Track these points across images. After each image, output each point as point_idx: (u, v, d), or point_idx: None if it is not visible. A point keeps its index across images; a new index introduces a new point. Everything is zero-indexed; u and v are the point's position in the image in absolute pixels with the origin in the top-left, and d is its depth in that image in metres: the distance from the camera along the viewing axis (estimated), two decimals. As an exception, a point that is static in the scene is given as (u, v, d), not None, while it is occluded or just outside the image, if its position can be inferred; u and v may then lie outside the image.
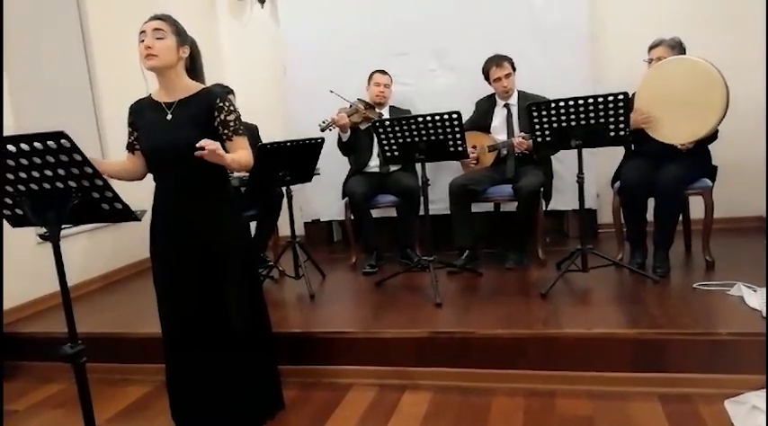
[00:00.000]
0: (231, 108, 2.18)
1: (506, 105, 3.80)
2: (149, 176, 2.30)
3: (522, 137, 3.53)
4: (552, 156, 3.81)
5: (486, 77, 3.77)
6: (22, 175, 1.66)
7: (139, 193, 2.40)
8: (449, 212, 3.73)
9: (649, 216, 3.33)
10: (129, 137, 2.27)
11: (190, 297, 2.19)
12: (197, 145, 1.97)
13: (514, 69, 3.74)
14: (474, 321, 2.78)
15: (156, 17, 2.13)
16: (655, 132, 3.12)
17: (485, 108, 3.90)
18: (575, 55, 4.10)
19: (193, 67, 2.26)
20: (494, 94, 3.85)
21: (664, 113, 3.07)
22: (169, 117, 2.15)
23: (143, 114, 2.22)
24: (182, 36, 2.16)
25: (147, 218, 2.22)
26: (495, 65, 3.69)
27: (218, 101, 2.15)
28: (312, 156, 3.48)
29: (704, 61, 2.98)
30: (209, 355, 2.21)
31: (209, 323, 2.20)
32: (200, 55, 2.31)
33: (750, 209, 4.04)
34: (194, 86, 2.21)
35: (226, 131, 2.16)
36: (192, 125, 2.11)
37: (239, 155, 2.16)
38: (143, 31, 2.11)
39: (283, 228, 3.89)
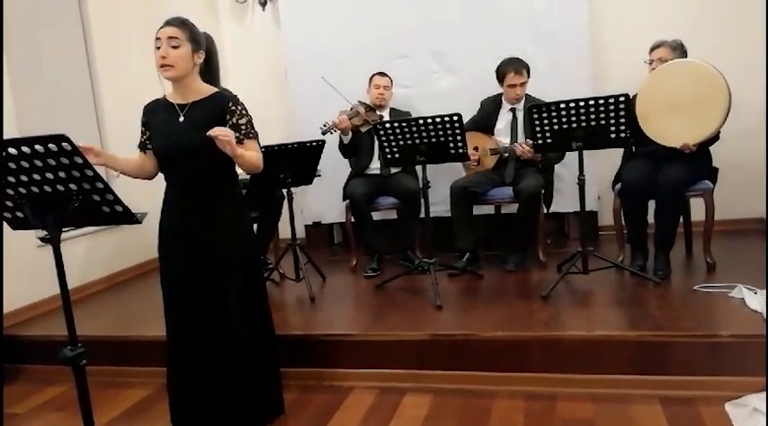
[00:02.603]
0: (243, 111, 2.20)
1: (512, 109, 3.78)
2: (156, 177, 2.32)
3: (528, 145, 3.50)
4: (553, 159, 3.81)
5: (500, 79, 3.71)
6: (23, 178, 1.66)
7: (141, 196, 2.40)
8: (449, 214, 3.73)
9: (650, 218, 3.33)
10: (142, 137, 2.30)
11: (195, 297, 2.20)
12: (208, 133, 1.99)
13: (529, 76, 3.70)
14: (475, 323, 2.78)
15: (171, 23, 2.13)
16: (656, 135, 3.12)
17: (490, 109, 3.87)
18: (575, 57, 4.09)
19: (208, 69, 2.28)
20: (500, 96, 3.82)
21: (666, 116, 3.07)
22: (181, 119, 2.17)
23: (156, 115, 2.24)
24: (197, 42, 2.16)
25: (155, 219, 2.23)
26: (515, 71, 3.62)
27: (230, 104, 2.18)
28: (313, 159, 3.49)
29: (706, 64, 2.98)
30: (211, 355, 2.21)
31: (213, 324, 2.20)
32: (216, 53, 2.32)
33: (751, 211, 4.03)
34: (207, 89, 2.23)
35: (237, 135, 2.17)
36: (203, 127, 2.12)
37: (250, 153, 2.18)
38: (158, 38, 2.11)
39: (284, 231, 3.89)
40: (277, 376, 2.45)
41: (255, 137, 2.25)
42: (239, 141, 2.18)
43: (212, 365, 2.21)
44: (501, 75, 3.70)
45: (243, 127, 2.19)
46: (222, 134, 2.00)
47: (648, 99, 3.13)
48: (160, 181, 2.39)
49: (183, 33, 2.12)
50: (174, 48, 2.09)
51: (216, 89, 2.26)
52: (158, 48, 2.11)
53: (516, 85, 3.65)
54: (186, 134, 2.12)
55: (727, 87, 2.91)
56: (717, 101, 2.93)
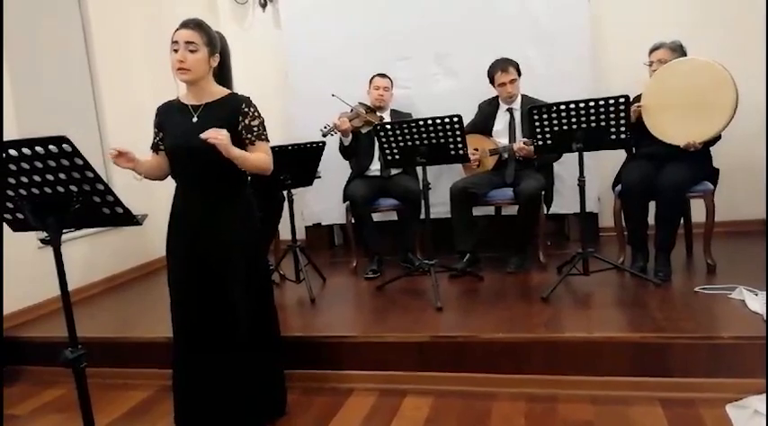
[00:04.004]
0: (255, 113, 2.22)
1: (509, 109, 3.79)
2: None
3: (524, 143, 3.52)
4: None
5: (491, 81, 3.74)
6: (24, 180, 1.66)
7: (141, 198, 2.41)
8: (450, 216, 3.73)
9: (650, 219, 3.32)
10: (155, 138, 2.32)
11: (201, 297, 2.21)
12: (201, 135, 2.01)
13: (520, 74, 3.72)
14: (475, 325, 2.78)
15: (189, 26, 2.14)
16: (658, 131, 3.11)
17: (488, 111, 3.88)
18: (575, 59, 4.09)
19: (221, 70, 2.28)
20: (496, 98, 3.84)
21: (672, 114, 3.07)
22: (195, 120, 2.19)
23: (170, 116, 2.26)
24: (213, 45, 2.18)
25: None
26: (501, 70, 3.66)
27: (243, 106, 2.20)
28: (313, 160, 3.49)
29: (712, 61, 2.98)
30: (216, 355, 2.21)
31: (218, 324, 2.21)
32: (230, 54, 2.34)
33: (752, 213, 4.03)
34: (221, 91, 2.25)
35: (249, 136, 2.20)
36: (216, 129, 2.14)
37: (256, 156, 2.19)
38: (175, 41, 2.13)
39: (284, 232, 3.88)
40: (281, 377, 2.45)
41: (267, 139, 2.26)
42: (250, 142, 2.19)
43: (216, 365, 2.21)
44: (490, 76, 3.73)
45: (255, 128, 2.21)
46: (213, 135, 2.01)
47: (655, 94, 3.12)
48: (161, 183, 2.40)
49: (201, 37, 2.14)
50: (192, 52, 2.12)
51: (229, 91, 2.27)
52: (175, 50, 2.12)
53: (506, 83, 3.66)
54: (198, 135, 2.12)
55: (734, 84, 2.91)
56: (724, 99, 2.93)
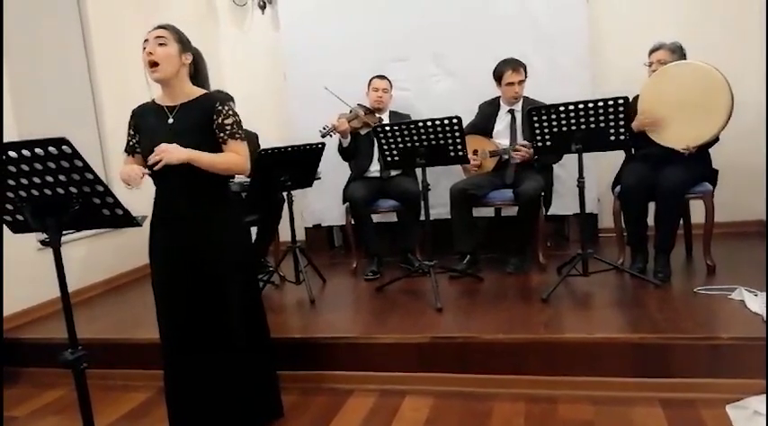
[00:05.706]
0: (230, 112, 2.19)
1: (511, 110, 3.78)
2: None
3: (523, 145, 3.52)
4: (552, 161, 3.81)
5: (498, 79, 3.71)
6: (24, 181, 1.66)
7: (139, 199, 2.40)
8: (450, 217, 3.73)
9: (650, 220, 3.33)
10: (130, 141, 2.29)
11: (191, 302, 2.18)
12: (148, 160, 2.04)
13: (526, 77, 3.72)
14: (475, 326, 2.78)
15: (158, 26, 2.16)
16: (659, 136, 3.12)
17: (488, 112, 3.88)
18: (574, 60, 4.10)
19: (197, 76, 2.27)
20: (498, 98, 3.83)
21: (668, 117, 3.08)
22: (170, 121, 2.17)
23: (146, 118, 2.24)
24: (184, 43, 2.18)
25: (147, 223, 2.22)
26: (512, 69, 3.63)
27: (217, 104, 2.17)
28: (313, 161, 3.49)
29: (708, 65, 3.00)
30: (206, 359, 2.20)
31: (211, 328, 2.19)
32: (206, 65, 2.32)
33: (751, 213, 4.03)
34: (196, 91, 2.23)
35: (221, 135, 2.17)
36: (192, 130, 2.13)
37: (225, 156, 2.16)
38: (146, 40, 2.13)
39: (284, 233, 3.89)
40: (275, 379, 2.44)
41: (242, 139, 2.22)
42: (223, 141, 2.17)
43: (210, 369, 2.20)
44: (498, 74, 3.70)
45: (228, 127, 2.17)
46: (154, 159, 2.02)
47: (651, 99, 3.13)
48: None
49: (171, 34, 2.14)
50: (161, 45, 2.11)
51: (205, 91, 2.25)
52: (146, 49, 2.12)
53: (514, 83, 3.65)
54: (175, 137, 2.11)
55: (729, 87, 2.93)
56: (719, 103, 2.95)
